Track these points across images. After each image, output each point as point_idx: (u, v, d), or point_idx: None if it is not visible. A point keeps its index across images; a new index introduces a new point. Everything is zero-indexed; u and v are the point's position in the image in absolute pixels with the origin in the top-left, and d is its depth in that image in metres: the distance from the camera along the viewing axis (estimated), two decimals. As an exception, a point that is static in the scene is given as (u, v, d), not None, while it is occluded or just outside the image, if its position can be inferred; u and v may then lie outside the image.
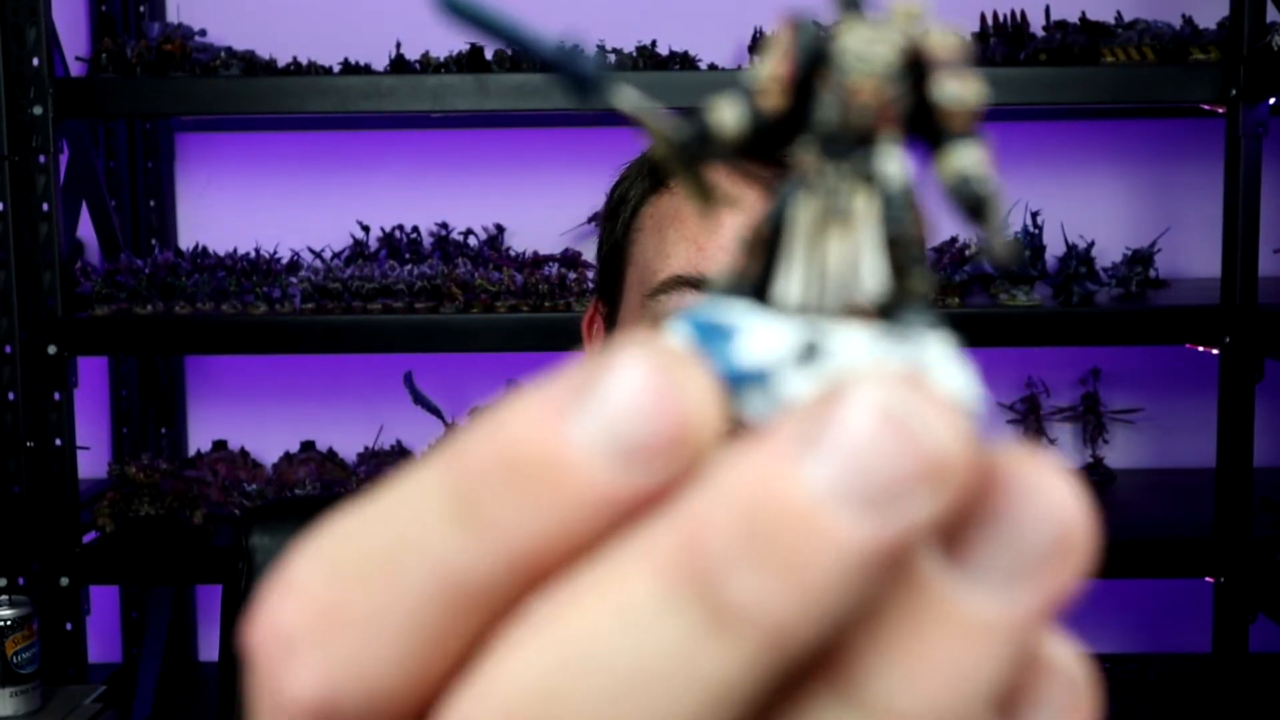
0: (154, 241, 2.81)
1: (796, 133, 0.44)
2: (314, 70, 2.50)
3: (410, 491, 0.28)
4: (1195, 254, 2.79)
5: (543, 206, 2.74)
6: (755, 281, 0.42)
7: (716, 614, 0.27)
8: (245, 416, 2.82)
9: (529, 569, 0.29)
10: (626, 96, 0.43)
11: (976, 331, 2.40)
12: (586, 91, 0.42)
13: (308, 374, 2.81)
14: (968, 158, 0.43)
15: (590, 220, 2.64)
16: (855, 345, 0.38)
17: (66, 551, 2.43)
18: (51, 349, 2.39)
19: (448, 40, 2.56)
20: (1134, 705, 2.56)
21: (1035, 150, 2.82)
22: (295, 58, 2.54)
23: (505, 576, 0.29)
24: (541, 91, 2.44)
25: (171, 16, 2.78)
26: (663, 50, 2.55)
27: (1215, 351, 2.48)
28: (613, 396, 0.32)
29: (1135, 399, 2.80)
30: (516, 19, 0.43)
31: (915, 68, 0.44)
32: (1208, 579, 2.49)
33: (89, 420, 2.69)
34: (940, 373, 0.39)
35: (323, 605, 0.27)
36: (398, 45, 2.52)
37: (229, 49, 2.53)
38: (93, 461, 2.68)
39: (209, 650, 2.88)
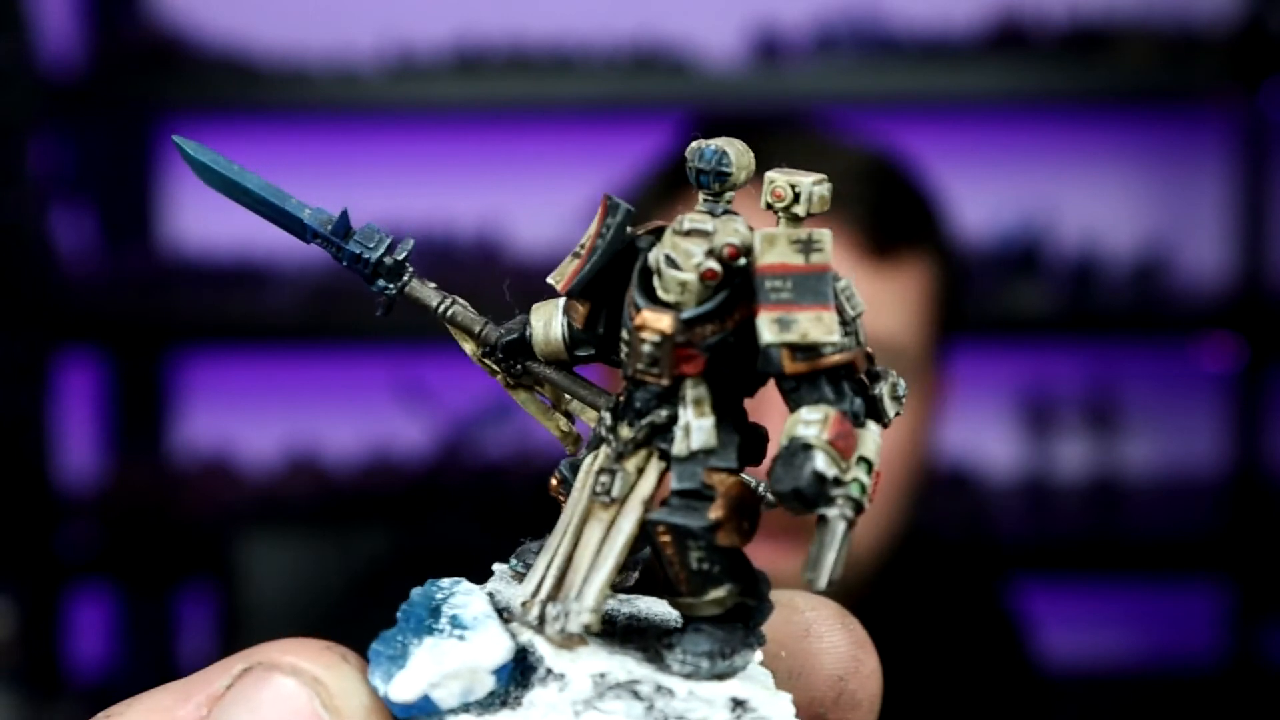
0: (140, 237, 2.77)
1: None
2: (301, 74, 2.46)
3: None
4: (1207, 249, 2.75)
5: (539, 200, 2.70)
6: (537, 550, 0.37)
7: None
8: (236, 419, 2.79)
9: None
10: (419, 290, 0.39)
11: (981, 332, 2.36)
12: (370, 280, 0.39)
13: (300, 377, 2.78)
14: (808, 422, 0.34)
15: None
16: (553, 699, 0.32)
17: (51, 556, 2.39)
18: (37, 347, 2.36)
19: (434, 26, 2.53)
20: (1142, 715, 2.53)
21: (1043, 142, 2.78)
22: (283, 45, 2.50)
23: None
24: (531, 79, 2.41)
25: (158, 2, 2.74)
26: (658, 43, 2.51)
27: (1229, 350, 2.44)
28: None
29: (1146, 399, 2.76)
30: (283, 196, 0.39)
31: (743, 277, 0.35)
32: (1218, 584, 2.46)
33: (77, 421, 2.66)
34: None
35: None
36: (386, 39, 2.49)
37: (218, 43, 2.50)
38: (80, 464, 2.64)
39: (198, 659, 2.84)
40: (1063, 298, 2.47)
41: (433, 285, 0.40)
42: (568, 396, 0.41)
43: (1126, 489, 2.59)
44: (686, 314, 0.35)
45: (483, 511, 1.44)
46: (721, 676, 0.35)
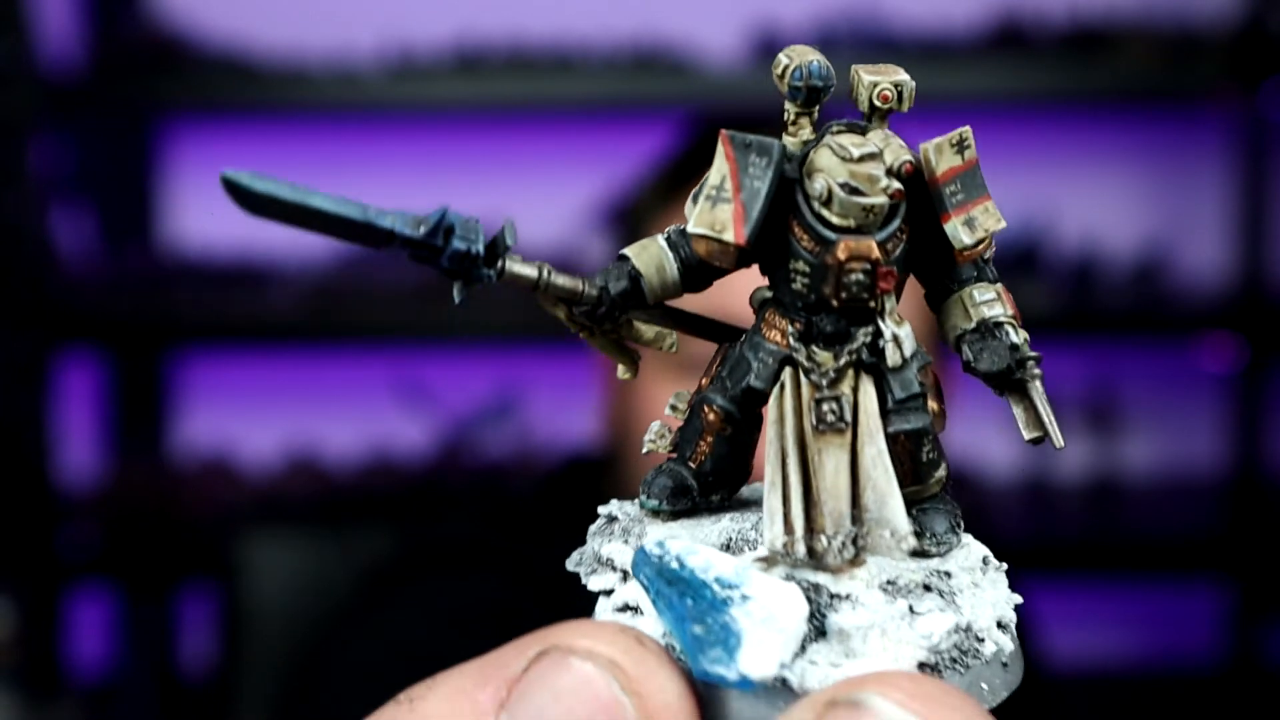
0: (140, 237, 2.77)
1: (746, 260, 0.37)
2: (301, 74, 2.46)
3: None
4: (1207, 249, 2.75)
5: (539, 200, 2.70)
6: (703, 478, 0.38)
7: None
8: (236, 419, 2.79)
9: None
10: (518, 269, 0.37)
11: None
12: (464, 272, 0.36)
13: (300, 377, 2.78)
14: (987, 302, 0.37)
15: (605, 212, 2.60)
16: (863, 619, 0.33)
17: (51, 556, 2.38)
18: (37, 347, 2.35)
19: (434, 26, 2.52)
20: (1142, 715, 2.52)
21: (1043, 142, 2.78)
22: (283, 45, 2.50)
23: None
24: (530, 78, 2.40)
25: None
26: (658, 43, 2.51)
27: (1229, 350, 2.44)
28: (547, 706, 0.30)
29: (1146, 399, 2.76)
30: (348, 201, 0.35)
31: (912, 185, 0.36)
32: (1218, 584, 2.46)
33: (77, 421, 2.65)
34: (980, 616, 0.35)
35: None
36: (384, 38, 2.49)
37: (218, 44, 2.50)
38: (80, 464, 2.64)
39: (197, 660, 2.84)
40: (1063, 298, 2.47)
41: (520, 257, 0.39)
42: (638, 328, 0.41)
43: (1126, 489, 2.59)
44: (880, 235, 0.36)
45: (483, 511, 1.44)
46: (962, 542, 0.38)
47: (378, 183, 2.76)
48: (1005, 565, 0.38)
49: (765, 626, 0.32)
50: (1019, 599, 0.38)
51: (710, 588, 0.33)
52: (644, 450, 0.40)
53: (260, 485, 2.55)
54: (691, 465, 0.38)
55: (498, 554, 1.22)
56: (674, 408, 0.39)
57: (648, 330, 0.41)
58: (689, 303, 0.42)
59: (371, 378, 2.71)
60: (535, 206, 2.69)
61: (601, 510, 0.40)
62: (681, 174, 1.18)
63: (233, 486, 2.54)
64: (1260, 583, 2.44)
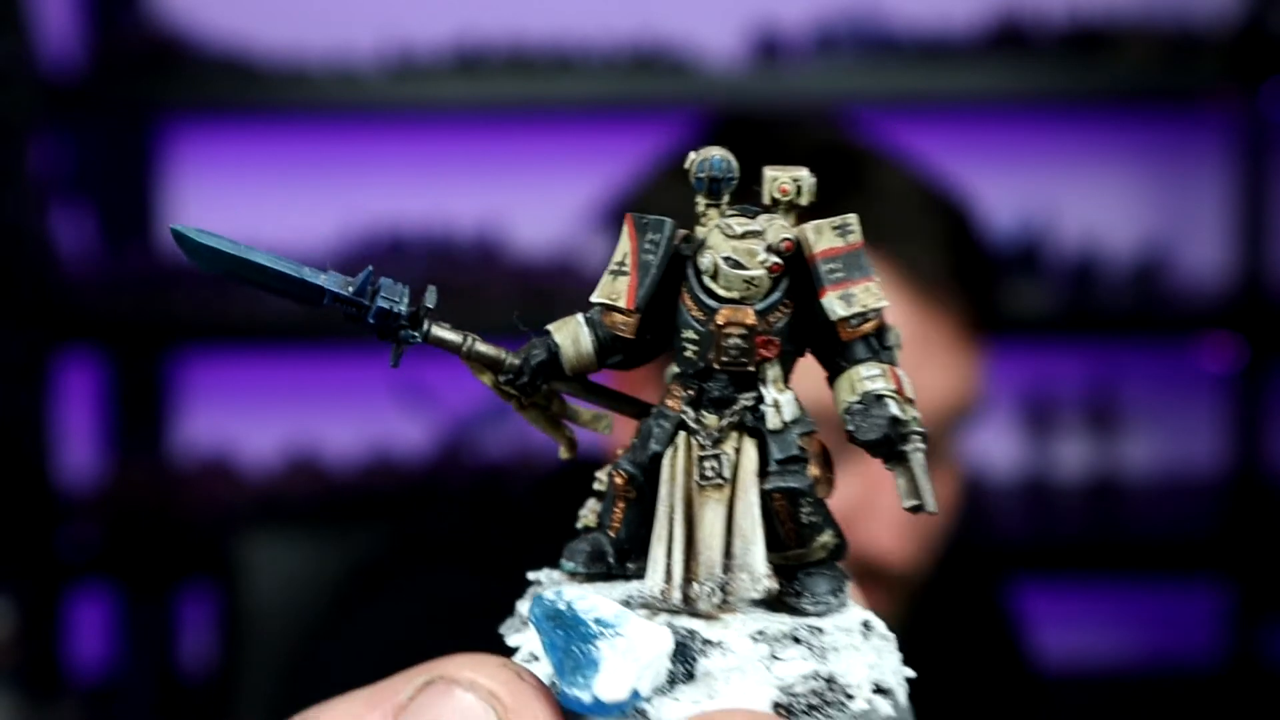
0: (140, 237, 2.77)
1: (662, 342, 0.41)
2: (301, 74, 2.46)
3: None
4: (1207, 249, 2.76)
5: (539, 200, 2.70)
6: (619, 545, 0.41)
7: None
8: (236, 419, 2.79)
9: None
10: (442, 333, 0.41)
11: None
12: (390, 331, 0.40)
13: (300, 377, 2.77)
14: (871, 377, 0.39)
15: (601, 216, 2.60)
16: (731, 663, 0.36)
17: (51, 556, 2.38)
18: (37, 347, 2.35)
19: (434, 26, 2.52)
20: (1142, 715, 2.53)
21: (1043, 142, 2.78)
22: (283, 45, 2.50)
23: None
24: (529, 77, 2.40)
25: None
26: (658, 43, 2.51)
27: (1229, 350, 2.44)
28: None
29: (1146, 399, 2.76)
30: (285, 262, 0.40)
31: (795, 263, 0.40)
32: (1218, 584, 2.46)
33: (77, 421, 2.65)
34: (850, 676, 0.38)
35: None
36: (384, 38, 2.48)
37: (218, 44, 2.50)
38: (80, 464, 2.64)
39: (197, 660, 2.84)
40: (1063, 298, 2.47)
41: (448, 325, 0.43)
42: (573, 408, 0.44)
43: (1126, 489, 2.59)
44: (760, 306, 0.40)
45: (483, 511, 1.44)
46: (844, 606, 0.40)
47: (378, 183, 2.76)
48: (894, 636, 0.40)
49: (624, 656, 0.35)
50: (910, 673, 0.40)
51: (587, 624, 0.35)
52: (579, 524, 0.43)
53: (260, 485, 2.55)
54: (610, 534, 0.41)
55: (497, 554, 1.22)
56: (599, 480, 0.42)
57: (585, 412, 0.44)
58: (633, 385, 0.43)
59: (371, 378, 2.71)
60: (535, 206, 2.70)
61: (530, 576, 0.43)
62: (680, 174, 1.17)
63: (233, 486, 2.54)
64: (1260, 583, 2.44)
